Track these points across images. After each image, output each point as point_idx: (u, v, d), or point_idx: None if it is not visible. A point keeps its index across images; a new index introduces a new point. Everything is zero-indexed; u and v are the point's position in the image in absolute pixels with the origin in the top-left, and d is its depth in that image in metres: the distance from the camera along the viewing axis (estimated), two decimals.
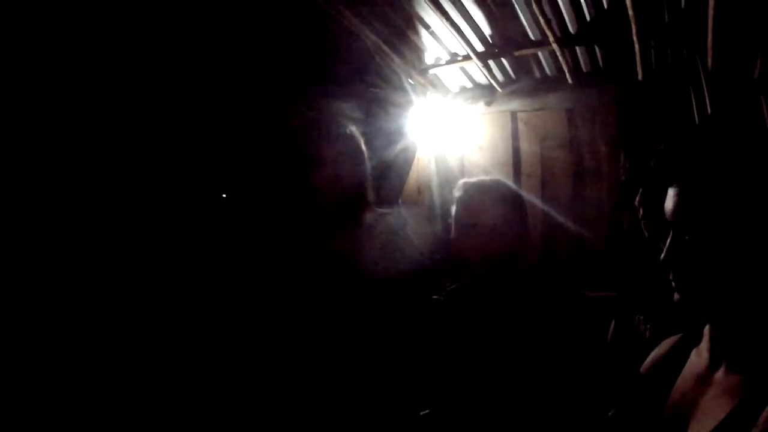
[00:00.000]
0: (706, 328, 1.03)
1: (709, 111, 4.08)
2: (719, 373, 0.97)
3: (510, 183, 2.07)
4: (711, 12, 3.54)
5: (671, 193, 0.98)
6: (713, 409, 0.91)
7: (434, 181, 5.66)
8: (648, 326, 1.91)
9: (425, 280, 2.09)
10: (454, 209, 1.99)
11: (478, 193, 1.96)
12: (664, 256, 0.97)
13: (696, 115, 4.29)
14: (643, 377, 1.17)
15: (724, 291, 0.91)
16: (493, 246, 1.88)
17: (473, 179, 2.03)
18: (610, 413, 1.24)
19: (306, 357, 1.87)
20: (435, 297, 2.04)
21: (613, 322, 2.11)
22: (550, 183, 5.44)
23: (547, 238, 5.32)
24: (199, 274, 2.14)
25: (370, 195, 2.11)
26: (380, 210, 2.24)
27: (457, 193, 2.00)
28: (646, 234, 1.93)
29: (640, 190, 1.87)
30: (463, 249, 1.94)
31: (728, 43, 3.96)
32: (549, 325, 1.82)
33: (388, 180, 5.25)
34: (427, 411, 1.89)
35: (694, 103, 4.34)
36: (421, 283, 2.08)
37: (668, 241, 0.97)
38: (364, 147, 2.12)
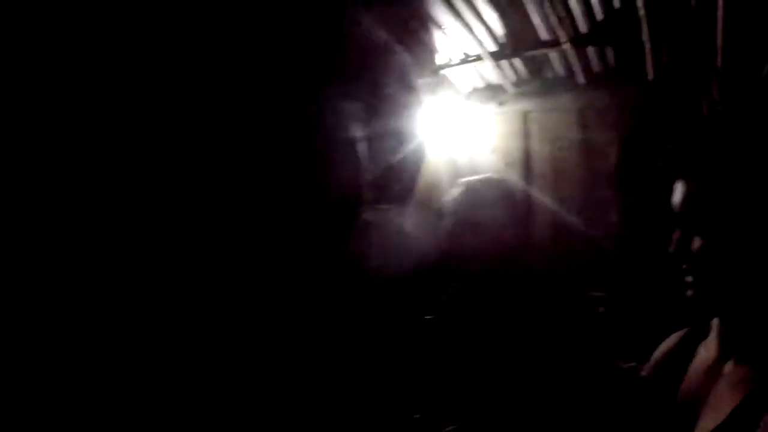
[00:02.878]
0: (714, 322, 1.03)
1: (719, 109, 4.11)
2: (728, 366, 0.97)
3: (510, 181, 2.03)
4: (721, 12, 3.56)
5: (679, 187, 0.99)
6: (723, 401, 0.92)
7: (445, 181, 5.67)
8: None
9: (427, 277, 2.07)
10: (453, 207, 1.93)
11: (476, 191, 1.91)
12: (675, 251, 0.98)
13: (707, 114, 4.31)
14: (652, 372, 1.18)
15: (736, 285, 0.92)
16: (491, 244, 1.84)
17: (473, 177, 1.99)
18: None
19: (305, 355, 1.87)
20: (439, 298, 2.00)
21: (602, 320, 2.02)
22: (561, 184, 5.44)
23: (558, 239, 5.34)
24: (202, 274, 2.10)
25: (368, 195, 2.09)
26: (381, 207, 2.21)
27: (456, 191, 1.95)
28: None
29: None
30: (461, 247, 1.89)
31: (738, 41, 3.98)
32: (550, 325, 1.76)
33: (398, 180, 5.25)
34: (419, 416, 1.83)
35: (704, 102, 4.37)
36: (423, 280, 2.07)
37: (676, 234, 0.98)
38: (363, 149, 2.10)
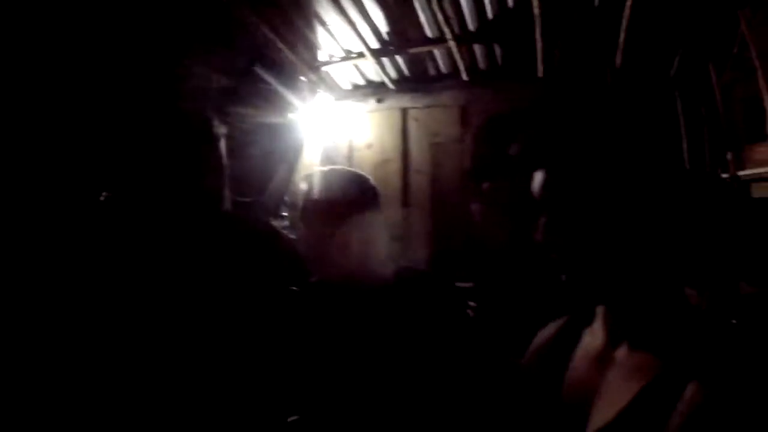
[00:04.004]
0: (599, 309, 1.04)
1: (612, 108, 4.21)
2: (621, 353, 0.96)
3: (357, 171, 1.93)
4: (627, 12, 3.62)
5: (538, 175, 1.01)
6: (621, 388, 0.91)
7: None
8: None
9: (287, 269, 1.98)
10: (302, 199, 1.87)
11: (325, 181, 1.83)
12: (542, 235, 0.99)
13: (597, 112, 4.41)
14: (533, 360, 1.18)
15: (610, 270, 0.94)
16: (341, 238, 1.78)
17: (319, 170, 1.91)
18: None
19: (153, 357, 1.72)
20: (293, 289, 1.92)
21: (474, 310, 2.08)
22: (439, 179, 5.44)
23: (437, 233, 5.35)
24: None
25: (226, 193, 1.96)
26: (241, 200, 2.21)
27: (304, 184, 1.86)
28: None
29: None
30: (311, 239, 1.84)
31: (642, 43, 4.10)
32: (411, 314, 1.74)
33: (269, 176, 5.06)
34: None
35: (596, 100, 4.45)
36: (282, 272, 1.99)
37: (542, 220, 1.00)
38: (222, 146, 1.96)
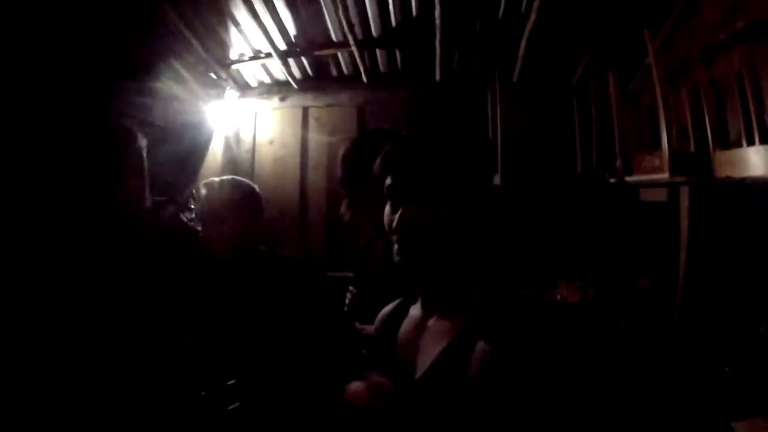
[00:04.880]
0: (419, 290, 1.33)
1: (498, 114, 4.61)
2: (432, 321, 1.24)
3: (245, 180, 2.40)
4: (529, 26, 3.96)
5: (388, 180, 1.21)
6: (430, 348, 1.19)
7: (227, 172, 5.66)
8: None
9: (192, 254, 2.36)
10: (201, 204, 2.31)
11: (214, 191, 2.29)
12: (396, 226, 1.20)
13: (489, 115, 4.81)
14: (377, 330, 1.46)
15: (429, 256, 1.16)
16: (229, 232, 2.23)
17: (212, 179, 2.35)
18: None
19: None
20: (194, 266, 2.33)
21: (349, 295, 2.42)
22: (334, 175, 5.67)
23: (332, 226, 5.67)
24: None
25: (146, 193, 2.25)
26: (157, 200, 2.44)
27: (203, 191, 2.31)
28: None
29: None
30: (206, 236, 2.27)
31: (544, 53, 4.44)
32: (283, 294, 2.19)
33: (182, 171, 5.12)
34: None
35: (489, 105, 4.86)
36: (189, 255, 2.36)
37: (397, 216, 1.21)
38: (142, 147, 2.24)
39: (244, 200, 2.31)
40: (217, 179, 2.33)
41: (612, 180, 3.68)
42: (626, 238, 3.52)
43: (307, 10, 4.43)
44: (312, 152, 5.84)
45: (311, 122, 5.84)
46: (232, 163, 5.78)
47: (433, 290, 1.24)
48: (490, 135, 4.73)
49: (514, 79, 4.89)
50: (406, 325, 1.32)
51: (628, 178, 3.47)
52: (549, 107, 4.98)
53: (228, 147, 5.81)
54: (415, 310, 1.32)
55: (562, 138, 4.70)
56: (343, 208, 2.14)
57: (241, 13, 4.37)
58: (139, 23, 3.89)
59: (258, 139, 5.91)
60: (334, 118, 5.79)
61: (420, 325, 1.26)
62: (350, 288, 2.35)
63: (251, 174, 5.72)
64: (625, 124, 3.77)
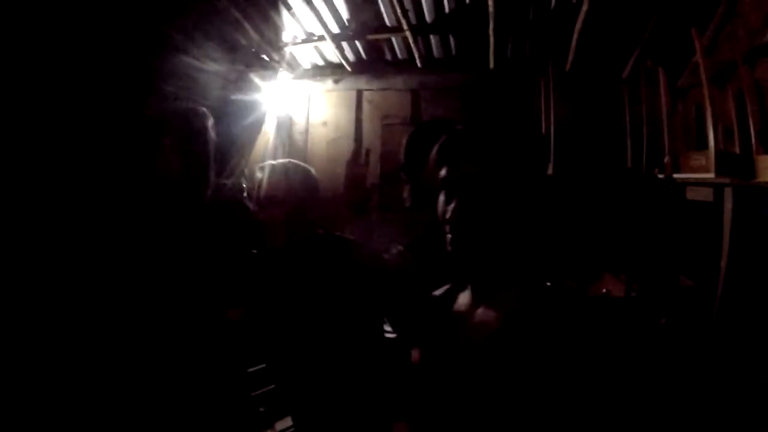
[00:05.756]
0: (469, 283, 1.35)
1: (552, 105, 4.52)
2: (480, 310, 1.26)
3: (302, 163, 2.37)
4: (581, 17, 3.88)
5: (443, 171, 1.24)
6: (476, 335, 1.22)
7: (279, 154, 5.72)
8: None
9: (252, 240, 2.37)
10: (258, 186, 2.29)
11: (273, 174, 2.26)
12: (450, 217, 1.22)
13: (542, 105, 4.72)
14: (425, 313, 1.49)
15: (481, 248, 1.20)
16: (286, 215, 2.20)
17: (270, 162, 2.33)
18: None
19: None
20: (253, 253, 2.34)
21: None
22: (388, 158, 5.68)
23: (384, 209, 5.68)
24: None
25: (212, 173, 2.24)
26: (221, 181, 2.42)
27: (259, 174, 2.29)
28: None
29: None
30: (263, 218, 2.24)
31: (596, 44, 4.35)
32: (343, 276, 2.19)
33: (236, 151, 5.22)
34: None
35: (542, 95, 4.77)
36: (249, 243, 2.37)
37: (453, 205, 1.23)
38: (211, 129, 2.23)
39: (302, 183, 2.28)
40: (274, 161, 2.32)
41: (660, 176, 3.59)
42: (672, 236, 3.43)
43: None
44: (366, 135, 5.85)
45: (365, 105, 5.86)
46: (284, 145, 5.83)
47: (483, 280, 1.26)
48: (543, 125, 4.64)
49: (567, 70, 4.79)
50: (454, 311, 1.35)
51: (676, 176, 3.38)
52: (599, 100, 4.89)
53: (281, 128, 5.84)
54: (463, 298, 1.34)
55: (612, 131, 4.58)
56: (405, 193, 2.14)
57: None
58: (190, 4, 3.94)
59: (311, 121, 5.95)
60: (389, 102, 5.78)
61: (468, 313, 1.29)
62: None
63: (304, 156, 5.76)
64: (673, 121, 3.67)
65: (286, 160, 2.35)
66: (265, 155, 5.67)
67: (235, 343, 2.14)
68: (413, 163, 2.06)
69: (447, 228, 1.22)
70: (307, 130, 5.95)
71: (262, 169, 2.30)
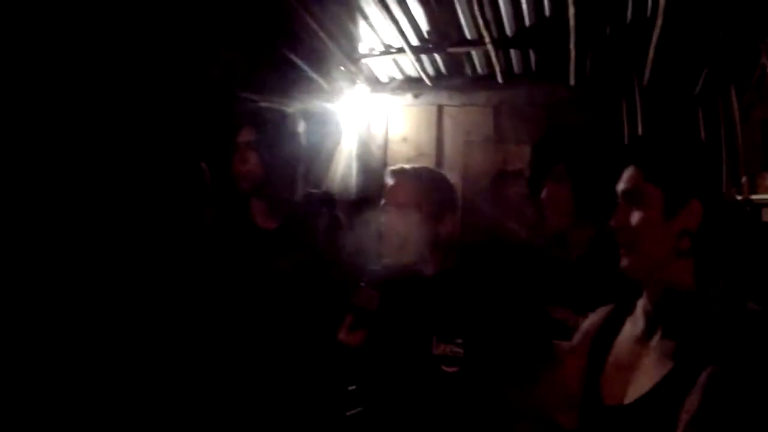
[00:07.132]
0: (640, 301, 1.22)
1: (639, 120, 4.29)
2: (655, 340, 1.14)
3: (437, 169, 2.19)
4: (657, 31, 3.67)
5: (626, 174, 1.22)
6: (651, 370, 1.09)
7: (355, 168, 5.65)
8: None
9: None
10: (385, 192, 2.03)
11: (400, 178, 2.00)
12: (613, 224, 1.18)
13: (625, 122, 4.49)
14: (582, 340, 1.35)
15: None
16: (415, 227, 1.91)
17: (402, 165, 2.07)
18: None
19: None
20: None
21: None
22: (470, 177, 5.51)
23: (465, 228, 5.43)
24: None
25: (300, 178, 2.25)
26: (309, 191, 2.39)
27: (388, 180, 2.02)
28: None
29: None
30: (388, 230, 1.96)
31: (669, 59, 4.13)
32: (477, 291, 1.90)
33: (313, 165, 5.20)
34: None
35: (624, 112, 4.53)
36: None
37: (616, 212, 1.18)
38: (301, 132, 2.25)
39: (434, 190, 1.99)
40: (408, 166, 2.07)
41: (739, 198, 3.36)
42: (746, 259, 3.18)
43: (439, 5, 4.27)
44: (447, 152, 5.67)
45: (446, 121, 5.67)
46: (363, 159, 5.74)
47: (664, 306, 1.17)
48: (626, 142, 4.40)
49: (644, 86, 4.54)
50: (622, 339, 1.25)
51: (753, 197, 3.15)
52: (675, 116, 4.60)
53: (360, 143, 5.75)
54: (633, 324, 1.25)
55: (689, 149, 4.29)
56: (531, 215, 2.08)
57: (369, 5, 4.27)
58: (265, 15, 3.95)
59: (390, 136, 5.81)
60: (470, 118, 5.58)
61: (641, 342, 1.19)
62: None
63: (383, 173, 5.63)
64: (750, 137, 3.43)
65: (419, 165, 2.14)
66: (342, 168, 5.64)
67: (341, 366, 1.99)
68: (539, 175, 1.95)
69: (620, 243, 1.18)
70: (386, 146, 5.82)
71: (394, 174, 2.04)
